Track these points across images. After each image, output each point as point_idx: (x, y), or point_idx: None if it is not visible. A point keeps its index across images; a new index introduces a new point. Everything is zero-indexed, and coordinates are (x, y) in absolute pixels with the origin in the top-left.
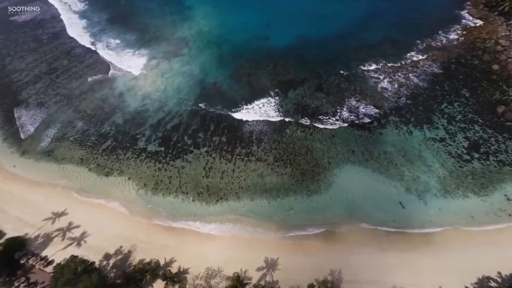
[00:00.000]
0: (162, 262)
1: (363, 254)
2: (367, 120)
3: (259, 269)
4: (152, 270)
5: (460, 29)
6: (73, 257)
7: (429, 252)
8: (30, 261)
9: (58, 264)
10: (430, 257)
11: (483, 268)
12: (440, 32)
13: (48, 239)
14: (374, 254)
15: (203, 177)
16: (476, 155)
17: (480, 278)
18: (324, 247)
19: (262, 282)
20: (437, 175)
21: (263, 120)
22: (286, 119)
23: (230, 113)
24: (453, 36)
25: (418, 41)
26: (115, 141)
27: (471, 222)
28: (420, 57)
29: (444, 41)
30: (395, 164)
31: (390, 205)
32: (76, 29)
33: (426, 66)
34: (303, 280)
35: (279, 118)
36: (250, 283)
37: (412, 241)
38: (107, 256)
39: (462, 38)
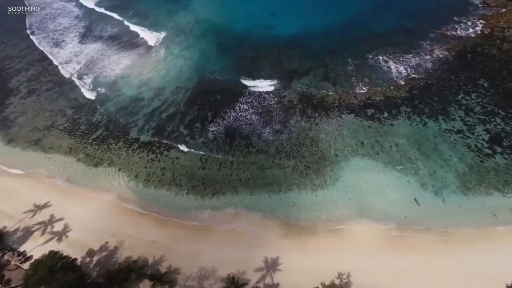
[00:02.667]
0: (150, 260)
1: (375, 256)
2: (376, 110)
3: (257, 270)
4: (139, 268)
5: (476, 17)
6: (52, 253)
7: (448, 254)
8: (6, 257)
9: (35, 260)
10: (450, 260)
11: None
12: (455, 20)
13: (28, 233)
14: (387, 255)
15: (199, 168)
16: (499, 150)
17: (510, 285)
18: (330, 247)
19: (261, 284)
20: (456, 170)
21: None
22: None
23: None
24: (469, 25)
25: (431, 30)
26: (107, 130)
27: (494, 222)
28: (434, 46)
29: (460, 30)
30: (409, 157)
31: (404, 202)
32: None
33: (440, 55)
34: (307, 283)
35: None
36: (247, 284)
37: (430, 242)
38: (90, 253)
39: (479, 27)
